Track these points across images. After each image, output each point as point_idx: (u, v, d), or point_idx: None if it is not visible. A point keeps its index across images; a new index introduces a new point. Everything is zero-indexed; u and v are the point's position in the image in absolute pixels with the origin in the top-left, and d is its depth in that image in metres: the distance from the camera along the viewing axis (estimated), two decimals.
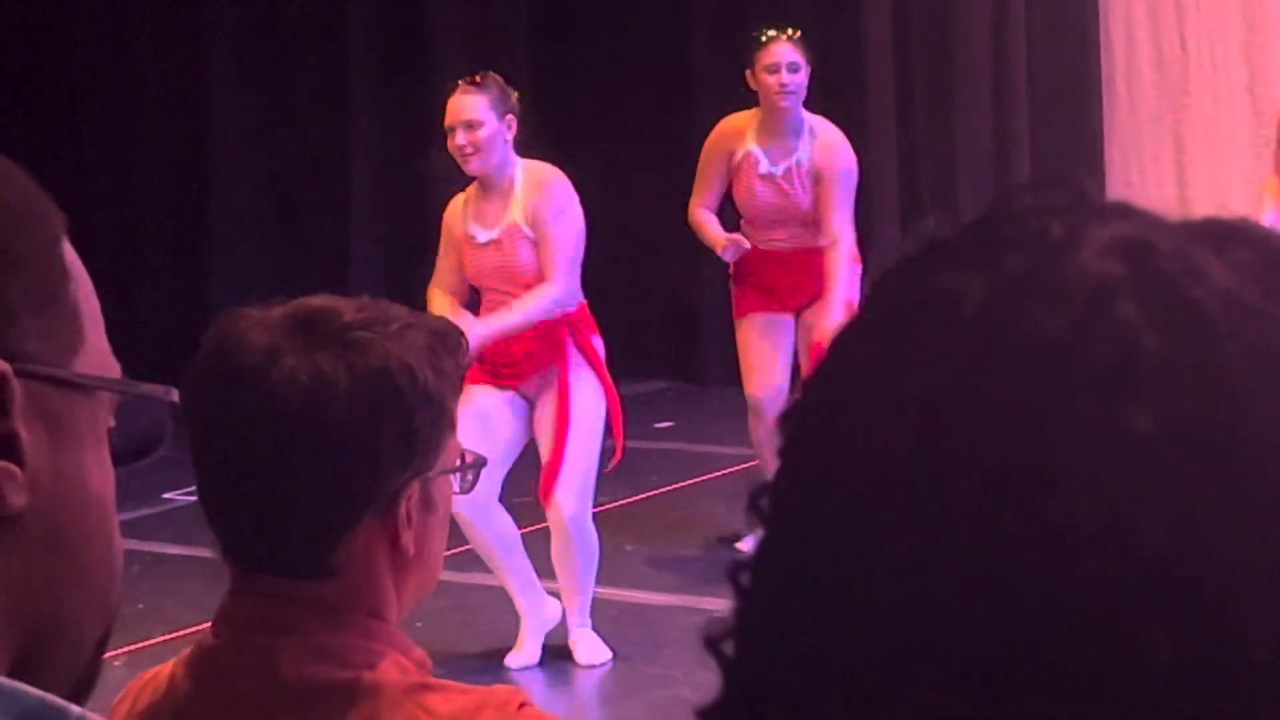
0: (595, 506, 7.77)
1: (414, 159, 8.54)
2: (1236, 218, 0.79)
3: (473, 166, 6.51)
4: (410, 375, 2.00)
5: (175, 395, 1.15)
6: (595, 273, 11.34)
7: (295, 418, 1.96)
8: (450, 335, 2.11)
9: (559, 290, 6.48)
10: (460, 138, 6.45)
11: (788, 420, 0.81)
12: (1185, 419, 0.72)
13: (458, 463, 2.11)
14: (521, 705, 2.01)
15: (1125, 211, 0.79)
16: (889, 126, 10.73)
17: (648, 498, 8.63)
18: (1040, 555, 0.71)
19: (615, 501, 8.31)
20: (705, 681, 0.81)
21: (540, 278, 6.54)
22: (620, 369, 10.43)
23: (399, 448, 2.01)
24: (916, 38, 10.90)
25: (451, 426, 2.08)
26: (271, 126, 11.83)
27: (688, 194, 7.92)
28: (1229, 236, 0.77)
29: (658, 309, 11.62)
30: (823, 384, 0.80)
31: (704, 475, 8.95)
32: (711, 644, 0.81)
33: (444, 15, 11.51)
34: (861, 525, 0.75)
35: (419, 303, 7.27)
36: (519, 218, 6.52)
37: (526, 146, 6.72)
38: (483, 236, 6.56)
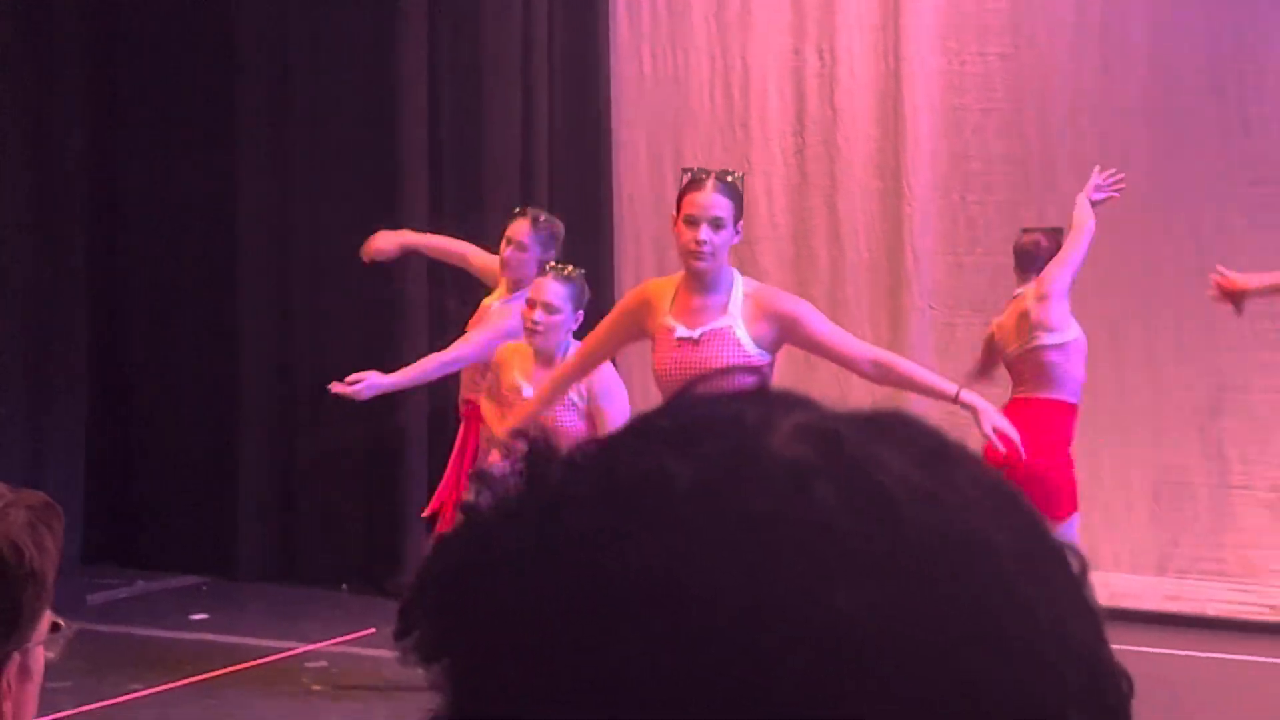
0: (128, 695, 8.07)
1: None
2: (894, 409, 0.81)
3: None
4: (17, 553, 1.97)
5: None
6: (141, 464, 11.66)
7: None
8: (49, 510, 2.07)
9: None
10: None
11: (454, 602, 0.77)
12: (878, 599, 0.72)
13: (49, 631, 2.10)
14: None
15: (801, 400, 0.80)
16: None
17: (182, 685, 8.49)
18: None
19: (151, 688, 8.32)
20: None
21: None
22: (157, 563, 11.17)
23: (3, 623, 1.97)
24: (449, 158, 11.08)
25: (50, 599, 2.06)
26: None
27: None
28: (892, 425, 0.79)
29: (195, 501, 11.63)
30: (505, 563, 0.76)
31: (235, 665, 8.89)
32: None
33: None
34: (566, 702, 0.73)
35: None
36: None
37: None
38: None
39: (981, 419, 6.53)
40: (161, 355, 11.63)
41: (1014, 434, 6.66)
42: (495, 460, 8.01)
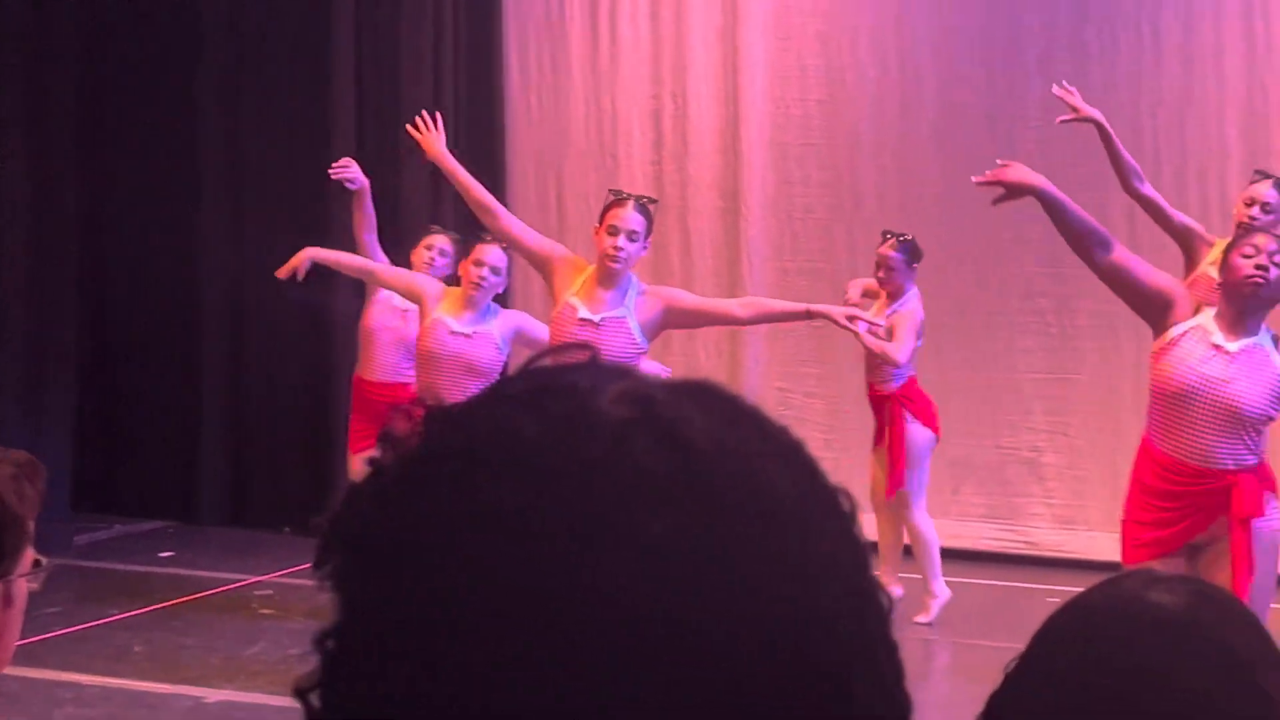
0: (108, 618, 8.76)
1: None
2: (700, 379, 0.86)
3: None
4: None
5: None
6: (120, 431, 12.07)
7: None
8: (32, 465, 2.16)
9: None
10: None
11: (351, 539, 0.82)
12: (683, 528, 0.78)
13: (31, 567, 2.17)
14: None
15: (624, 370, 0.86)
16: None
17: (153, 610, 9.03)
18: (586, 644, 0.76)
19: (126, 613, 8.89)
20: None
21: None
22: (132, 511, 11.85)
23: None
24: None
25: (29, 539, 2.14)
26: None
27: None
28: (700, 391, 0.85)
29: (164, 460, 11.91)
30: (396, 503, 0.82)
31: (197, 594, 9.44)
32: None
33: None
34: (435, 621, 0.78)
35: None
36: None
37: None
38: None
39: (835, 317, 6.99)
40: (137, 343, 12.02)
41: (864, 314, 7.30)
42: (399, 424, 8.83)
